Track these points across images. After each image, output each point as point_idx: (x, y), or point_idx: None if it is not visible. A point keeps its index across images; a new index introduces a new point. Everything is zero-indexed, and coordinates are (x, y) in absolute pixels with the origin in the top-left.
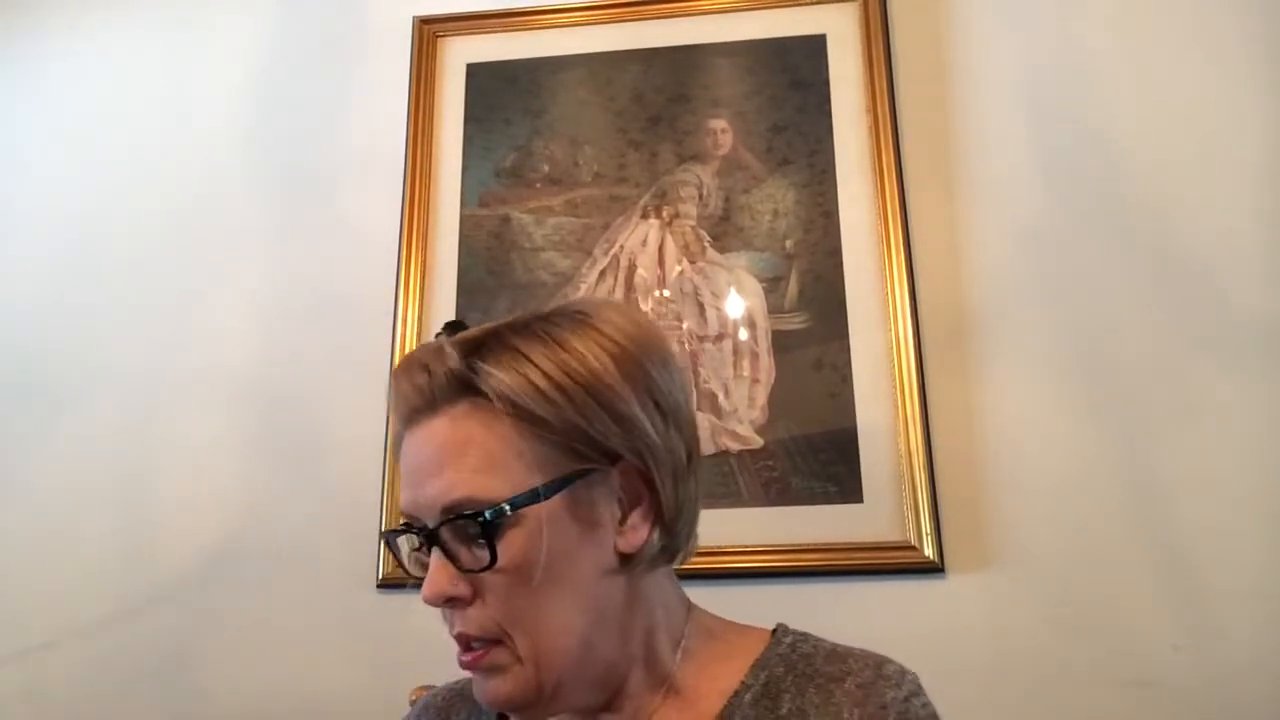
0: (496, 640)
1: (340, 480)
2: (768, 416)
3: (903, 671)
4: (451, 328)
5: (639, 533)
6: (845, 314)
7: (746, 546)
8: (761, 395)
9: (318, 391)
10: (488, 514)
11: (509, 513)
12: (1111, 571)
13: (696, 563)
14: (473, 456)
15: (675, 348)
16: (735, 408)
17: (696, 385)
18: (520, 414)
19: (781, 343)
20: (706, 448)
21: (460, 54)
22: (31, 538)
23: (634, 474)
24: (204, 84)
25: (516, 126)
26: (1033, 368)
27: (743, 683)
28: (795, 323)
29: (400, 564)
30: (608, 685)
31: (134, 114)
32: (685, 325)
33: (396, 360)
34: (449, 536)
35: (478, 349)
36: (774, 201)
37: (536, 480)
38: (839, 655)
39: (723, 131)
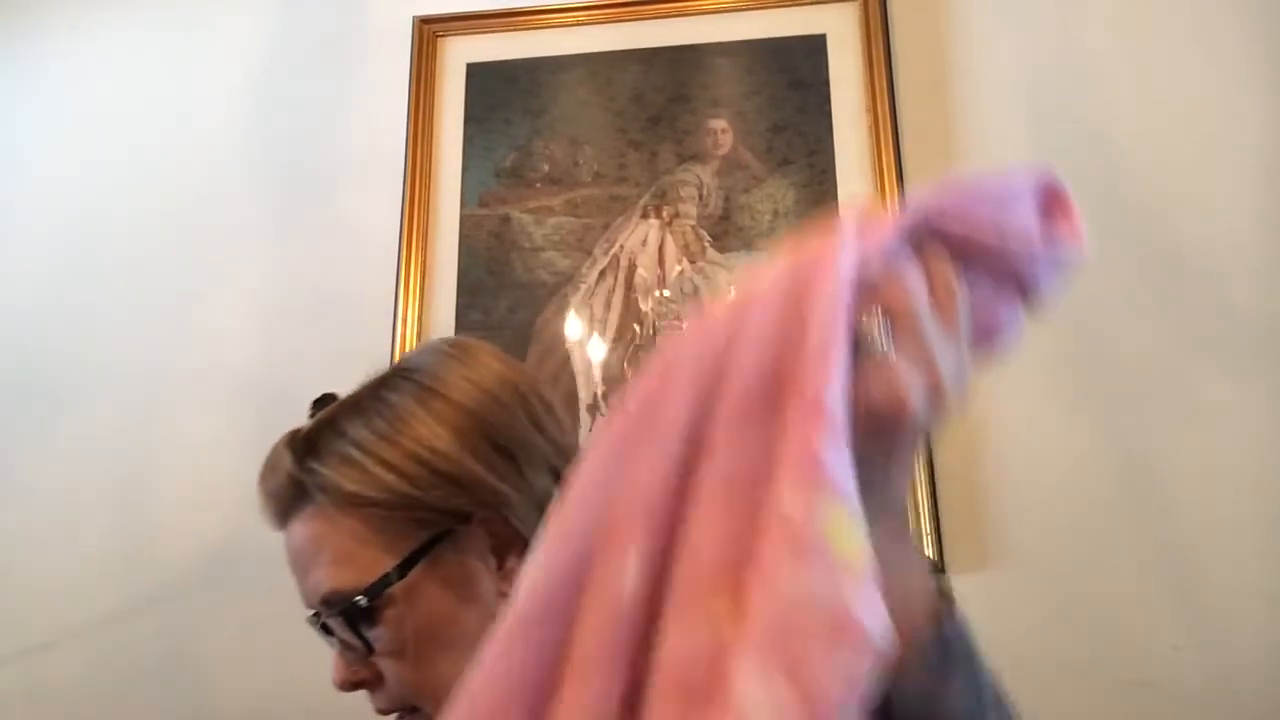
0: (412, 709)
1: None
2: None
3: None
4: (318, 404)
5: (519, 573)
6: None
7: None
8: None
9: (318, 391)
10: (347, 608)
11: (364, 603)
12: (1111, 571)
13: None
14: (326, 553)
15: (529, 377)
16: None
17: None
18: (354, 502)
19: None
20: None
21: (460, 54)
22: (31, 538)
23: (496, 522)
24: (204, 84)
25: (516, 126)
26: (1033, 367)
27: None
28: None
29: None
30: None
31: (134, 114)
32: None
33: (397, 360)
34: (336, 628)
35: (311, 448)
36: (774, 201)
37: (390, 562)
38: None
39: (723, 131)
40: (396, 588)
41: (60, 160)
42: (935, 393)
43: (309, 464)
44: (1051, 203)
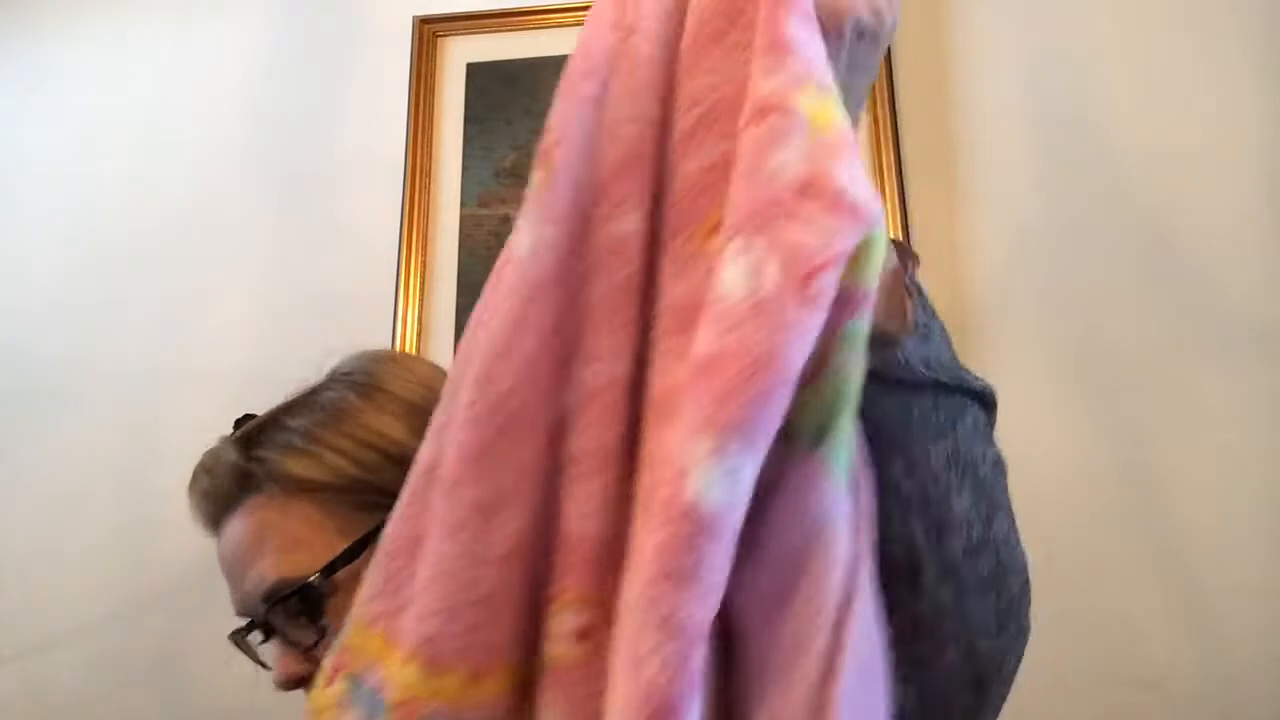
0: None
1: None
2: None
3: None
4: (238, 424)
5: None
6: None
7: None
8: None
9: None
10: (300, 592)
11: (319, 583)
12: (1111, 571)
13: None
14: (273, 542)
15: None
16: None
17: None
18: (305, 487)
19: None
20: None
21: (460, 54)
22: (31, 538)
23: None
24: (204, 84)
25: (516, 126)
26: (1032, 367)
27: None
28: None
29: (256, 660)
30: None
31: (134, 113)
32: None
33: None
34: (280, 623)
35: (255, 442)
36: None
37: (342, 545)
38: None
39: None
40: (354, 566)
41: (60, 160)
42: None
43: (256, 454)
44: None
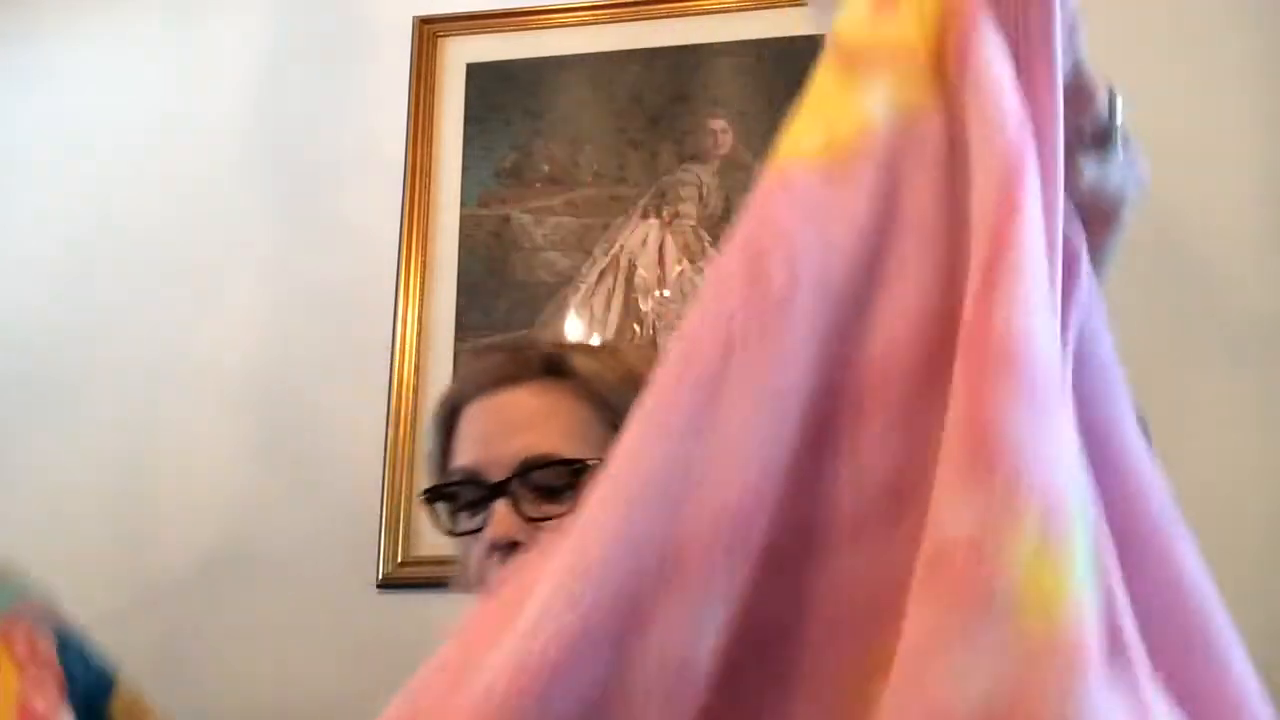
0: None
1: (340, 480)
2: None
3: None
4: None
5: None
6: None
7: None
8: None
9: (318, 390)
10: (577, 470)
11: (594, 466)
12: None
13: None
14: (557, 423)
15: None
16: None
17: None
18: (595, 399)
19: None
20: None
21: (460, 54)
22: (31, 536)
23: None
24: (204, 84)
25: (516, 126)
26: None
27: None
28: None
29: (440, 523)
30: None
31: (134, 113)
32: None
33: (396, 359)
34: (519, 488)
35: (564, 345)
36: None
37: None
38: None
39: (723, 131)
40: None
41: (60, 160)
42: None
43: (565, 352)
44: None
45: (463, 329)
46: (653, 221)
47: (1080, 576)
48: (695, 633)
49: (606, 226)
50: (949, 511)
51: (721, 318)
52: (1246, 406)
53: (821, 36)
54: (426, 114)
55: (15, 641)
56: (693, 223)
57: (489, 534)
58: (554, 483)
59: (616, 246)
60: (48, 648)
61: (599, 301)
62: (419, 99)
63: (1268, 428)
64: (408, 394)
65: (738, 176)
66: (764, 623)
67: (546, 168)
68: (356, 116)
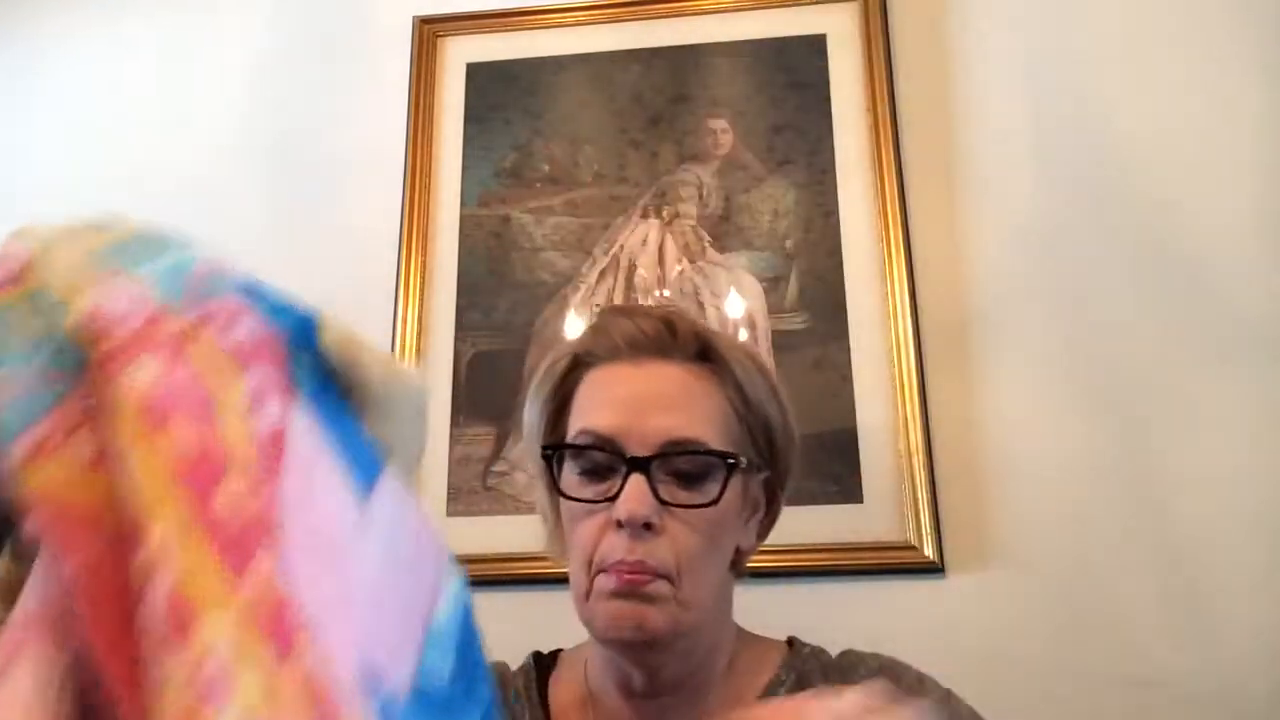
0: (665, 575)
1: None
2: None
3: (908, 664)
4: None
5: (751, 536)
6: (845, 314)
7: None
8: None
9: None
10: (729, 460)
11: (742, 464)
12: (1111, 571)
13: None
14: (703, 409)
15: None
16: None
17: None
18: (738, 395)
19: (781, 343)
20: None
21: (460, 54)
22: None
23: (767, 486)
24: (203, 83)
25: (516, 126)
26: (1033, 367)
27: (777, 677)
28: (795, 323)
29: (553, 480)
30: (691, 660)
31: (133, 113)
32: None
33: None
34: (658, 468)
35: (710, 330)
36: (774, 201)
37: (739, 454)
38: (853, 656)
39: (723, 131)
40: (744, 473)
41: (60, 160)
42: None
43: (719, 342)
44: None
45: (463, 329)
46: (653, 221)
47: None
48: None
49: (606, 226)
50: None
51: None
52: (1246, 407)
53: (820, 36)
54: (426, 114)
55: (222, 330)
56: (693, 222)
57: (622, 510)
58: (691, 469)
59: (616, 246)
60: (256, 323)
61: (599, 301)
62: (419, 99)
63: (1267, 428)
64: None
65: (738, 176)
66: None
67: (546, 168)
68: (356, 116)
